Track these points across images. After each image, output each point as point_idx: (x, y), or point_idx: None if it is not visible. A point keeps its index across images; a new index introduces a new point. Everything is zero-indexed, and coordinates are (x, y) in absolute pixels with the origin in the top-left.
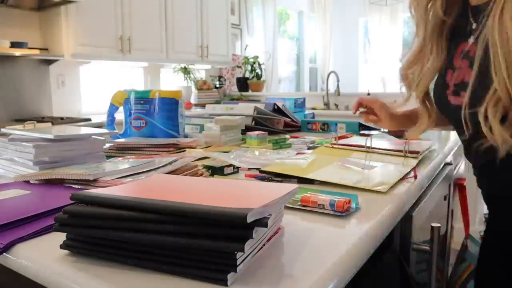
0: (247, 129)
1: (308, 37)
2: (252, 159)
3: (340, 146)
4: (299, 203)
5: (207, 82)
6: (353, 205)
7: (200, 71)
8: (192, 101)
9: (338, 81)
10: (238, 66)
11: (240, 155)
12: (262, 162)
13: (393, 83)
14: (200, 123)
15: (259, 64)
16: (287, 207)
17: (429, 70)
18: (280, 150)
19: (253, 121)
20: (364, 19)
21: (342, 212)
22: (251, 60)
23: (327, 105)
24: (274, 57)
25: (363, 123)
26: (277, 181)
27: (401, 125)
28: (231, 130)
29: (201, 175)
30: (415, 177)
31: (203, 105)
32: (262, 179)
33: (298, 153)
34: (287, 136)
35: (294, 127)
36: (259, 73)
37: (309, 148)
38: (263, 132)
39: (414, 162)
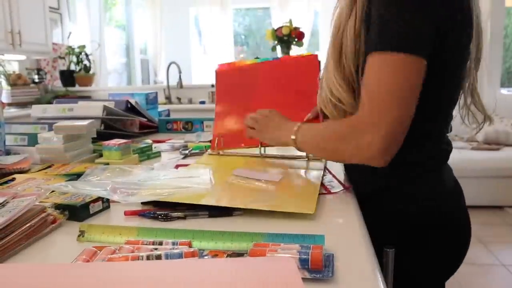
0: (98, 136)
1: (137, 26)
2: (125, 185)
3: (228, 154)
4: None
5: (22, 76)
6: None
7: (12, 62)
8: (4, 99)
9: (180, 72)
10: (60, 57)
11: (102, 178)
12: (147, 189)
13: None
14: (27, 131)
15: (87, 55)
16: None
17: None
18: (147, 162)
19: (102, 125)
20: (194, 9)
21: (321, 271)
22: (77, 50)
23: (168, 99)
24: (103, 47)
25: None
26: (180, 217)
27: None
28: (79, 141)
29: (53, 222)
30: (347, 188)
31: (20, 105)
32: (154, 216)
33: (177, 166)
34: (149, 141)
35: (150, 128)
36: (88, 65)
37: (185, 157)
38: (125, 141)
39: (320, 165)
